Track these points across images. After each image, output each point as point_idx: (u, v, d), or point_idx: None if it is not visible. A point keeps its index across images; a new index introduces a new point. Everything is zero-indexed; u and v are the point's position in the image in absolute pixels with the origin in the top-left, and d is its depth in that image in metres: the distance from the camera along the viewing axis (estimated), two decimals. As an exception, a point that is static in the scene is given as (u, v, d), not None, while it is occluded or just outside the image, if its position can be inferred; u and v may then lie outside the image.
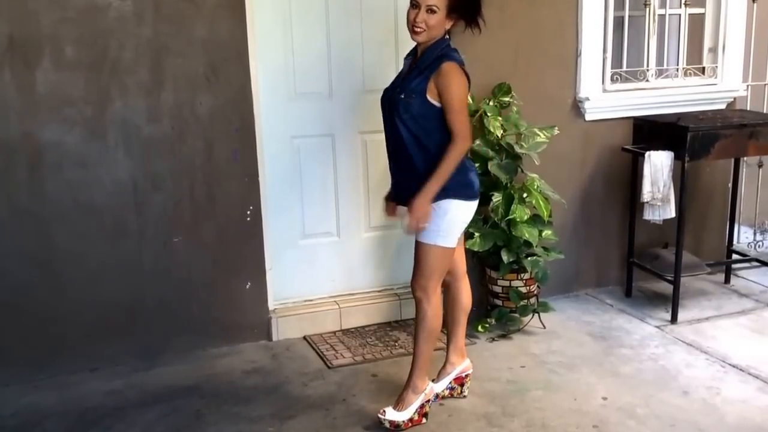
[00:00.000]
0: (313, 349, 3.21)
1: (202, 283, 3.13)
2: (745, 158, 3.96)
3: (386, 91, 2.52)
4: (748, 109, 4.02)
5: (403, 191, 2.48)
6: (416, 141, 2.41)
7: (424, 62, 2.39)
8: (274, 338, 3.28)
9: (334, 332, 3.36)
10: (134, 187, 2.97)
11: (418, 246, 2.49)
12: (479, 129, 3.31)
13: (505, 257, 3.25)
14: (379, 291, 3.51)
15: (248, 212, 3.15)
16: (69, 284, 2.94)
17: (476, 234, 3.27)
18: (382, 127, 3.32)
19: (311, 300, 3.38)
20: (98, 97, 2.86)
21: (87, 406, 2.74)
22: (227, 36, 2.99)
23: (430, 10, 2.31)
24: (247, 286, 3.21)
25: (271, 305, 3.30)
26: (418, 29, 2.34)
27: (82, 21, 2.79)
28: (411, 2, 2.34)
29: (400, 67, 3.32)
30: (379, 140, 3.36)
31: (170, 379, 2.93)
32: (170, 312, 3.10)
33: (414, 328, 2.60)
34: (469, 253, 3.40)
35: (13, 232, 2.84)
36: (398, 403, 2.56)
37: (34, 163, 2.82)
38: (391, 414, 2.53)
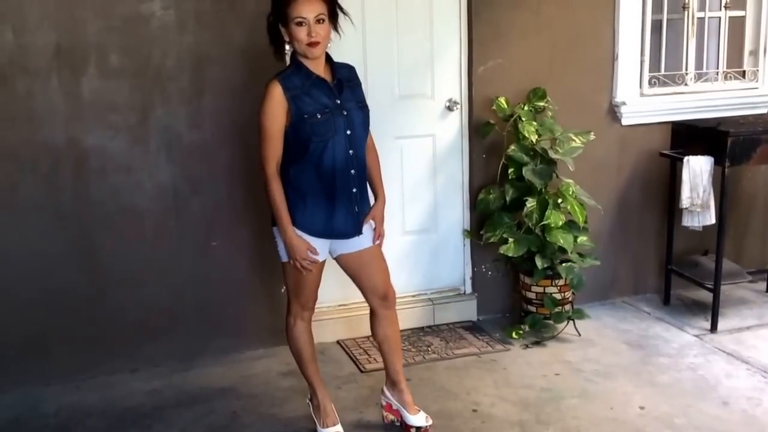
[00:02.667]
0: (347, 353, 3.24)
1: (239, 286, 3.18)
2: (788, 164, 3.87)
3: (331, 113, 2.27)
4: (791, 113, 3.93)
5: (354, 216, 2.37)
6: (364, 155, 2.41)
7: (345, 75, 2.35)
8: (309, 341, 3.31)
9: (367, 337, 3.35)
10: (175, 191, 3.03)
11: (376, 250, 2.47)
12: (513, 134, 3.30)
13: (539, 263, 3.23)
14: (412, 296, 3.52)
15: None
16: (110, 286, 3.01)
17: (510, 239, 3.26)
18: (417, 132, 3.41)
19: (345, 305, 3.40)
20: (141, 103, 2.94)
21: (127, 405, 2.80)
22: (265, 44, 3.01)
23: (320, 20, 2.22)
24: (282, 290, 3.24)
25: (305, 309, 3.33)
26: (316, 42, 2.22)
27: (126, 30, 2.87)
28: (295, 21, 2.20)
29: (429, 72, 3.39)
30: (414, 145, 3.42)
31: (208, 381, 2.98)
32: (208, 314, 3.15)
33: (396, 335, 2.56)
34: (502, 258, 3.42)
35: (58, 234, 2.92)
36: (414, 406, 2.57)
37: (80, 168, 2.91)
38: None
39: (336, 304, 3.43)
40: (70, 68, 2.83)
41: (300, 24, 2.21)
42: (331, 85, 2.31)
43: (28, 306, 2.93)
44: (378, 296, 2.49)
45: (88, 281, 2.99)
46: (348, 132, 2.30)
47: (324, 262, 2.45)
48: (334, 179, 2.31)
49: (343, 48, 3.25)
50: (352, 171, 2.33)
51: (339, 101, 2.30)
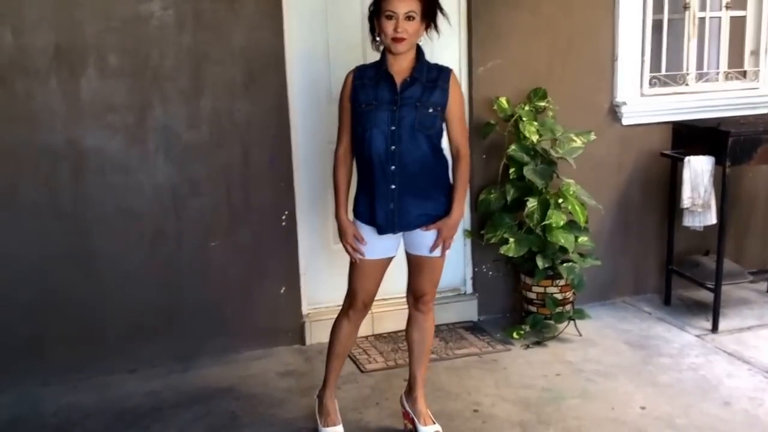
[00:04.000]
0: (347, 353, 3.23)
1: (238, 286, 3.17)
2: (789, 164, 3.86)
3: (377, 106, 2.27)
4: (792, 113, 3.92)
5: (389, 213, 2.32)
6: (437, 155, 2.35)
7: (425, 74, 2.31)
8: (308, 342, 3.30)
9: (367, 337, 3.37)
10: (173, 192, 3.03)
11: (436, 262, 2.43)
12: (514, 134, 3.29)
13: (540, 263, 3.22)
14: (412, 296, 3.50)
15: (283, 217, 3.19)
16: (109, 287, 3.01)
17: (511, 239, 3.25)
18: None
19: (345, 305, 3.38)
20: (140, 104, 2.93)
21: (126, 406, 2.79)
22: (265, 43, 3.04)
23: (409, 17, 2.22)
24: (282, 291, 3.24)
25: (304, 309, 3.33)
26: (401, 38, 2.22)
27: (125, 30, 2.87)
28: (385, 14, 2.22)
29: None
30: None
31: (206, 381, 2.97)
32: (207, 315, 3.15)
33: (424, 340, 2.55)
34: (503, 258, 3.41)
35: (57, 235, 2.92)
36: (427, 417, 2.53)
37: (78, 168, 2.91)
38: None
39: (335, 305, 3.40)
40: (68, 69, 2.83)
41: (389, 17, 2.23)
42: (395, 81, 2.28)
43: (26, 306, 2.92)
44: (415, 296, 2.52)
45: (86, 281, 2.98)
46: (392, 127, 2.27)
47: (382, 263, 2.42)
48: (372, 172, 2.31)
49: (343, 49, 3.27)
50: (393, 167, 2.29)
51: (396, 97, 2.28)
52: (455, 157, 2.40)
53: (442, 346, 3.27)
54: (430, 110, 2.30)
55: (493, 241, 3.31)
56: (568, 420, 2.63)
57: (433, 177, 2.36)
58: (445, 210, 2.38)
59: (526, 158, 3.23)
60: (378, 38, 2.33)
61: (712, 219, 3.40)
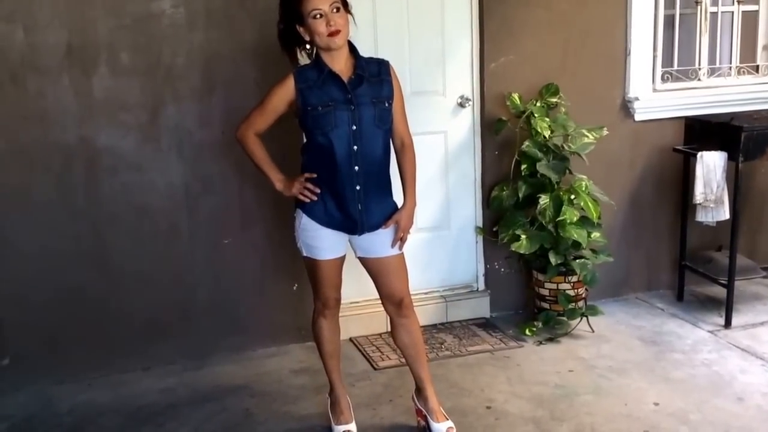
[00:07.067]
0: (359, 350, 3.23)
1: (251, 284, 3.18)
2: (802, 158, 3.83)
3: (334, 106, 2.24)
4: (805, 107, 3.89)
5: (357, 214, 2.31)
6: (387, 152, 2.35)
7: (372, 70, 2.30)
8: (321, 339, 3.31)
9: (380, 334, 3.37)
10: (186, 190, 3.03)
11: (400, 259, 2.42)
12: (526, 130, 3.29)
13: (552, 259, 3.21)
14: (425, 293, 3.51)
15: (295, 215, 3.18)
16: (123, 284, 3.02)
17: (523, 236, 3.25)
18: (429, 129, 3.39)
19: (357, 302, 3.39)
20: (152, 102, 2.93)
21: (140, 403, 2.81)
22: (276, 41, 3.02)
23: (336, 9, 2.19)
24: (294, 288, 3.25)
25: (317, 306, 3.33)
26: (337, 31, 2.19)
27: (137, 28, 2.87)
28: (311, 16, 2.18)
29: (440, 69, 3.38)
30: (426, 142, 3.39)
31: (221, 378, 2.98)
32: (220, 312, 3.16)
33: (415, 342, 2.48)
34: (515, 255, 3.41)
35: (70, 234, 2.93)
36: (440, 414, 2.52)
37: (91, 167, 2.91)
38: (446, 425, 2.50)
39: (349, 302, 3.40)
40: (80, 67, 2.83)
41: (317, 17, 2.20)
42: (343, 80, 2.27)
43: (40, 304, 2.93)
44: (393, 303, 2.47)
45: (100, 280, 2.99)
46: (353, 127, 2.26)
47: (339, 261, 2.43)
48: (336, 174, 2.29)
49: (355, 44, 3.26)
50: (356, 167, 2.28)
51: (350, 96, 2.27)
52: (401, 148, 2.41)
53: (455, 343, 3.27)
54: (386, 104, 2.31)
55: (506, 240, 3.30)
56: (581, 416, 2.63)
57: (386, 175, 2.38)
58: (396, 205, 2.40)
59: (539, 154, 3.22)
60: (308, 46, 2.29)
61: (724, 214, 3.38)
